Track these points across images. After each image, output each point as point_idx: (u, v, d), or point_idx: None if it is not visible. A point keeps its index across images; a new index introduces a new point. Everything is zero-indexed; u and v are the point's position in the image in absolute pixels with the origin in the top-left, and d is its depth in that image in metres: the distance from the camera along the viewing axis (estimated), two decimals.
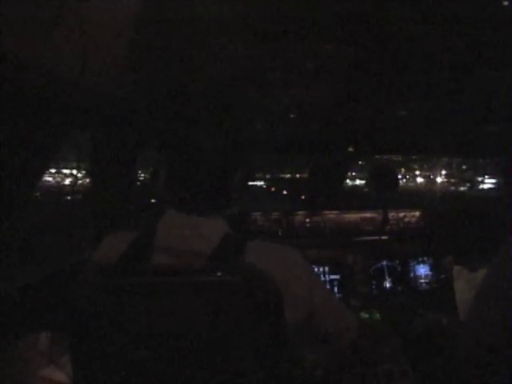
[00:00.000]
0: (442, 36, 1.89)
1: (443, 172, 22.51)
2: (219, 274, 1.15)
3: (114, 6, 1.51)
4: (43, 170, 2.16)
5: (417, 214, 3.66)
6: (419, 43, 1.94)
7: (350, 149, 3.65)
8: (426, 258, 3.32)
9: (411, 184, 24.14)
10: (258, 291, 1.14)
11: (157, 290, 1.15)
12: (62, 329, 1.35)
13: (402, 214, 3.62)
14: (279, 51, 2.02)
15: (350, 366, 2.28)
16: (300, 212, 3.51)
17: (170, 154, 1.42)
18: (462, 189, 20.34)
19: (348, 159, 4.20)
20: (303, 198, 5.20)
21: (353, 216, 3.55)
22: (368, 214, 3.58)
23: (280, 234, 3.41)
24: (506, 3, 1.71)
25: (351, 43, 1.97)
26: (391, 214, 3.57)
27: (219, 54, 1.88)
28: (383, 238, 3.48)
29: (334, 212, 3.55)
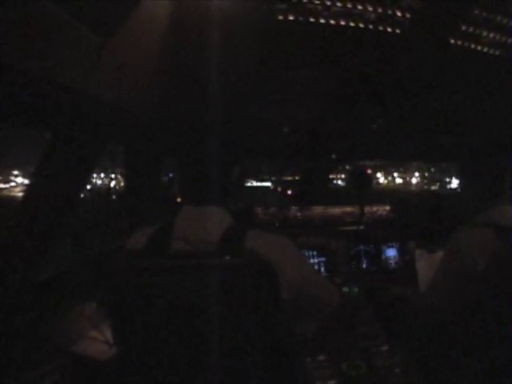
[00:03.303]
0: (406, 66, 1.95)
1: (416, 174, 22.38)
2: (225, 257, 1.22)
3: (141, 39, 1.57)
4: (88, 175, 2.21)
5: (387, 208, 3.67)
6: (387, 70, 1.99)
7: (333, 156, 3.66)
8: (394, 243, 3.31)
9: (391, 184, 23.96)
10: (257, 272, 1.20)
11: (173, 271, 1.22)
12: (103, 300, 1.40)
13: (375, 208, 3.63)
14: (275, 76, 2.07)
15: (333, 331, 2.32)
16: (293, 207, 3.52)
17: (183, 158, 1.48)
18: (432, 188, 20.11)
19: (332, 164, 4.20)
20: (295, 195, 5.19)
21: (335, 210, 3.56)
22: (348, 209, 3.59)
23: (277, 224, 3.41)
24: (452, 41, 1.78)
25: (333, 70, 2.02)
26: (366, 208, 3.56)
27: (226, 80, 1.92)
28: (360, 227, 3.48)
29: (320, 207, 3.55)
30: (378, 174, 22.71)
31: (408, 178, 23.31)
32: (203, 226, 1.35)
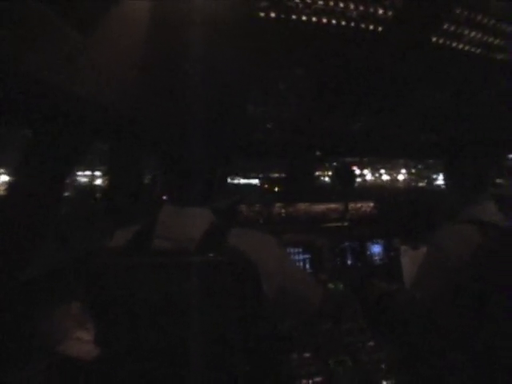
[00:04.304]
0: (388, 63, 1.97)
1: (403, 171, 22.55)
2: (207, 255, 1.23)
3: (122, 37, 1.57)
4: (69, 173, 2.20)
5: (371, 204, 3.70)
6: (370, 67, 2.01)
7: (318, 153, 3.67)
8: (379, 240, 3.38)
9: (378, 181, 24.05)
10: (239, 268, 1.22)
11: (155, 268, 1.23)
12: (87, 299, 1.41)
13: (359, 205, 3.65)
14: (259, 74, 2.08)
15: (318, 326, 2.35)
16: (277, 204, 3.51)
17: (167, 159, 1.48)
18: (420, 184, 20.22)
19: (316, 162, 4.20)
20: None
21: (320, 207, 3.56)
22: (332, 205, 3.59)
23: (261, 221, 3.40)
24: (434, 39, 1.80)
25: (317, 68, 2.03)
26: (351, 205, 3.59)
27: (209, 79, 1.93)
28: (345, 224, 3.52)
29: (304, 203, 3.55)
30: (365, 171, 22.84)
31: (395, 175, 23.50)
32: (185, 224, 1.36)
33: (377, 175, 24.48)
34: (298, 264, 3.11)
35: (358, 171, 19.82)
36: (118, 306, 1.25)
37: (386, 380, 2.07)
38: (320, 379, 2.07)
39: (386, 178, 24.32)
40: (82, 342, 2.00)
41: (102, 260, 1.27)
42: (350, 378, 2.10)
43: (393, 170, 23.54)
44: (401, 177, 23.01)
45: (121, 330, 1.26)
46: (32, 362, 1.82)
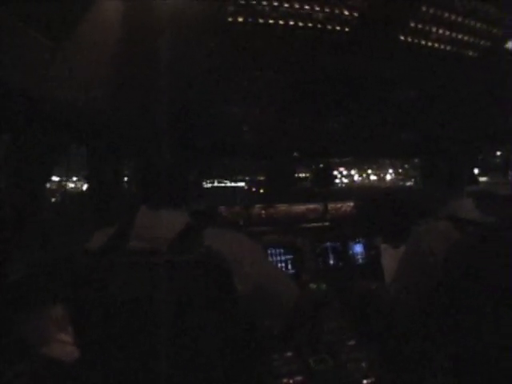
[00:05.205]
0: (358, 63, 1.99)
1: (390, 171, 22.61)
2: (181, 254, 1.25)
3: (93, 41, 1.58)
4: (48, 176, 2.21)
5: (351, 204, 3.74)
6: (340, 68, 2.03)
7: (295, 154, 3.69)
8: (360, 239, 3.42)
9: (365, 181, 24.07)
10: (212, 267, 1.24)
11: (129, 269, 1.25)
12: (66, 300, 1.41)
13: (339, 205, 3.69)
14: (233, 77, 2.09)
15: (299, 325, 2.36)
16: (257, 205, 3.52)
17: (141, 161, 1.49)
18: (407, 184, 20.28)
19: (294, 162, 4.21)
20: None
21: (300, 207, 3.59)
22: (312, 206, 3.62)
23: (241, 223, 3.41)
24: (401, 38, 1.83)
25: (291, 70, 2.05)
26: (330, 206, 3.63)
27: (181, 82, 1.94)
28: (325, 224, 3.56)
29: (284, 204, 3.57)
30: (352, 171, 22.89)
31: (382, 175, 23.57)
32: (160, 225, 1.37)
33: (364, 175, 24.51)
34: (279, 265, 3.14)
35: (344, 172, 19.81)
36: (92, 306, 1.25)
37: (366, 379, 2.08)
38: (300, 378, 2.08)
39: (373, 178, 24.37)
40: (64, 344, 2.00)
41: (80, 262, 1.29)
42: (330, 376, 2.11)
43: (379, 170, 23.56)
44: (388, 177, 23.07)
45: (96, 331, 1.27)
46: (16, 364, 1.82)
